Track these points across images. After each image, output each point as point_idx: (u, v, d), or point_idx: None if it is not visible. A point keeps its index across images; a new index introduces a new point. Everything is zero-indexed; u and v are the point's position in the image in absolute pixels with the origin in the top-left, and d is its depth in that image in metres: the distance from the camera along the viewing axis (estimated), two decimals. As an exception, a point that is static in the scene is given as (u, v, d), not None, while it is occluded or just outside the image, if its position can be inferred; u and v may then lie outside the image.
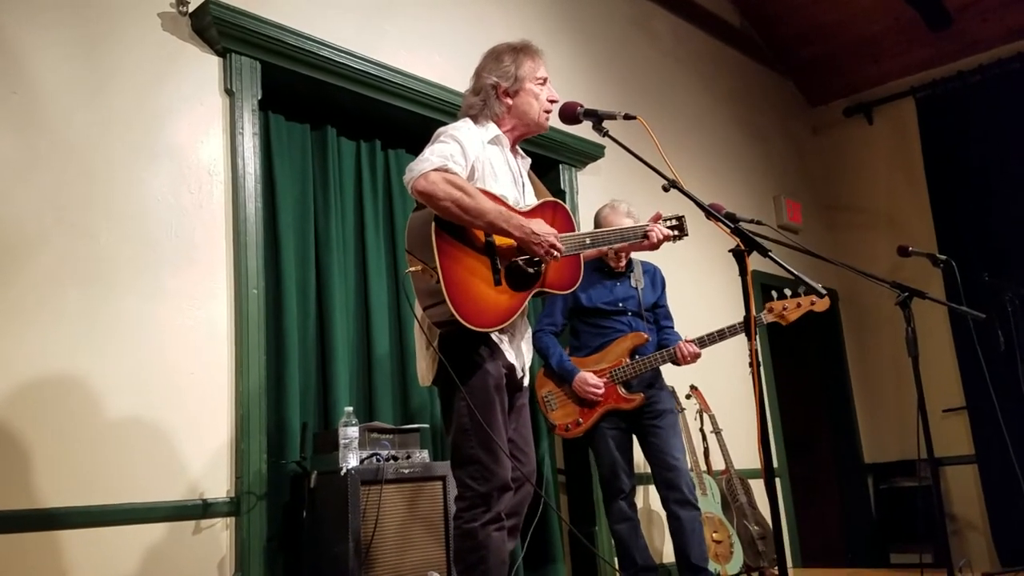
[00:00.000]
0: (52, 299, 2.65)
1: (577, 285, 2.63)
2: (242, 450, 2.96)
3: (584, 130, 4.24)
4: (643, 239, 2.83)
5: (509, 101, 2.56)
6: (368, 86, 3.67)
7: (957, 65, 6.62)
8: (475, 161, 2.43)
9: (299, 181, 3.63)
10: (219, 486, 2.92)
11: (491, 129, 2.55)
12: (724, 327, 3.58)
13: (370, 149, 3.97)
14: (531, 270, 2.48)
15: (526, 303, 2.48)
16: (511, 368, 2.48)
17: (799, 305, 3.59)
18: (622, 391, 3.54)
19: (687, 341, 3.57)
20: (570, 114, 2.51)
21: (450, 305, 2.26)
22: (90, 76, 2.87)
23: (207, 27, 3.15)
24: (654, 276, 3.80)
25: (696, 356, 3.57)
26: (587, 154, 4.67)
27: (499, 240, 2.42)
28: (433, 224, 2.31)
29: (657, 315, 3.75)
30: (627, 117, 2.38)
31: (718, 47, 6.36)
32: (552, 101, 2.61)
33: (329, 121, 3.80)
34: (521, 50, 2.59)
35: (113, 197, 2.85)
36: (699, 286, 5.13)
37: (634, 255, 3.76)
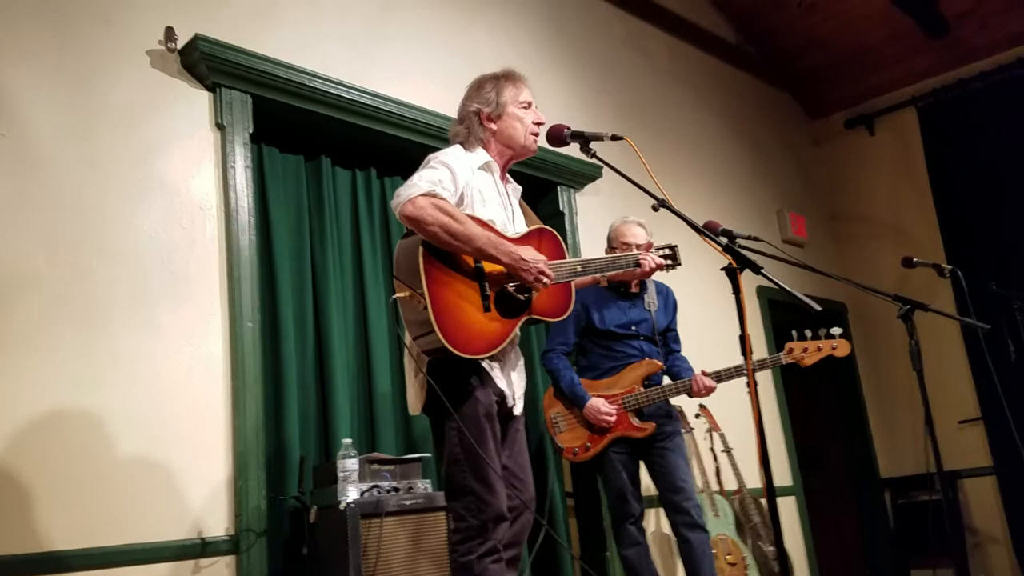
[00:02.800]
0: (46, 339, 2.63)
1: (569, 312, 2.61)
2: (240, 487, 2.92)
3: (581, 152, 4.25)
4: (635, 267, 2.83)
5: (493, 126, 2.57)
6: (360, 115, 3.66)
7: (958, 73, 6.58)
8: (464, 187, 2.42)
9: (294, 212, 3.62)
10: (218, 524, 2.88)
11: (481, 155, 2.55)
12: (741, 364, 3.50)
13: (365, 178, 3.96)
14: (521, 296, 2.45)
15: (516, 330, 2.45)
16: (502, 396, 2.45)
17: (819, 349, 3.59)
18: (634, 420, 3.49)
19: (703, 374, 3.52)
20: (557, 136, 2.49)
21: (438, 333, 2.24)
22: (79, 115, 2.87)
23: (196, 63, 3.15)
24: (667, 298, 3.76)
25: (711, 390, 3.53)
26: (585, 175, 4.65)
27: (488, 266, 2.40)
28: (421, 249, 2.30)
29: (667, 338, 3.71)
30: (614, 138, 2.36)
31: (714, 64, 6.35)
32: (538, 124, 2.60)
33: (323, 151, 3.79)
34: (503, 77, 2.61)
35: (105, 235, 2.84)
36: (702, 304, 5.07)
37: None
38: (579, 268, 2.62)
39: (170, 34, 3.12)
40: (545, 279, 2.38)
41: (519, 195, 2.70)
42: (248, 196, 3.24)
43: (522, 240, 2.51)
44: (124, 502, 2.68)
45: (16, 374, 2.55)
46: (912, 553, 6.22)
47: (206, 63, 3.14)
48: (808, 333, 3.63)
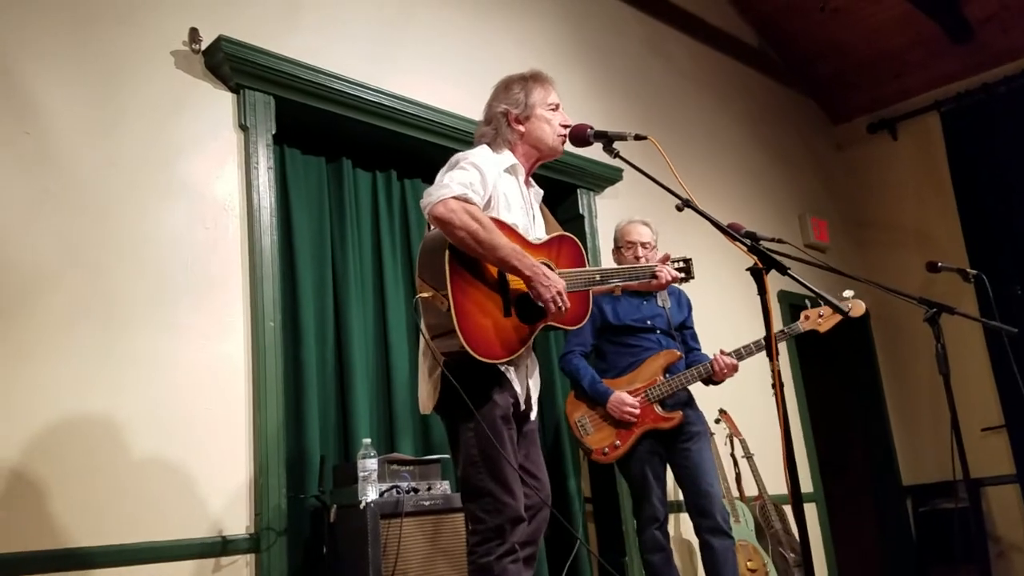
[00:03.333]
0: (67, 338, 2.65)
1: (585, 320, 2.60)
2: (261, 485, 2.93)
3: (601, 154, 4.22)
4: (651, 279, 2.84)
5: (521, 128, 2.56)
6: (382, 117, 3.67)
7: (982, 77, 6.52)
8: (492, 189, 2.42)
9: (315, 213, 3.64)
10: (239, 522, 2.88)
11: (507, 157, 2.54)
12: (760, 338, 3.47)
13: (386, 179, 3.97)
14: (540, 303, 2.44)
15: (534, 335, 2.45)
16: (517, 399, 2.45)
17: (834, 312, 3.52)
18: (659, 410, 3.44)
19: (723, 353, 3.47)
20: (580, 136, 2.48)
21: (460, 336, 2.23)
22: (102, 114, 2.89)
23: (220, 64, 3.17)
24: (679, 297, 3.73)
25: (734, 368, 3.46)
26: (605, 178, 4.64)
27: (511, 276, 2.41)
28: (447, 252, 2.29)
29: (685, 336, 3.67)
30: (638, 137, 2.35)
31: (735, 67, 6.32)
32: (565, 126, 2.59)
33: (344, 153, 3.80)
34: (531, 78, 2.60)
35: (127, 234, 2.86)
36: (722, 306, 5.04)
37: None
38: (598, 277, 2.63)
39: (194, 35, 3.14)
40: (560, 303, 2.36)
41: (540, 199, 2.70)
42: (271, 197, 3.25)
43: (543, 247, 2.51)
44: (146, 501, 2.69)
45: (37, 374, 2.57)
46: (934, 562, 6.15)
47: (230, 64, 3.16)
48: (821, 302, 3.58)
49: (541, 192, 2.70)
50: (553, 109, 2.59)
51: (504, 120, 2.55)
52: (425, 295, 2.30)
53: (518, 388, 2.45)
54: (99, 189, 2.83)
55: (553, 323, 2.49)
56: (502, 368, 2.39)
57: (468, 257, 2.32)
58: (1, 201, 2.62)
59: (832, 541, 5.68)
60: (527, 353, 2.51)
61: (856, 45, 6.57)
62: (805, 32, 6.57)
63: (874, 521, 6.55)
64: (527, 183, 2.63)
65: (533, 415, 2.55)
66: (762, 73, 6.60)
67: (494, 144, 2.55)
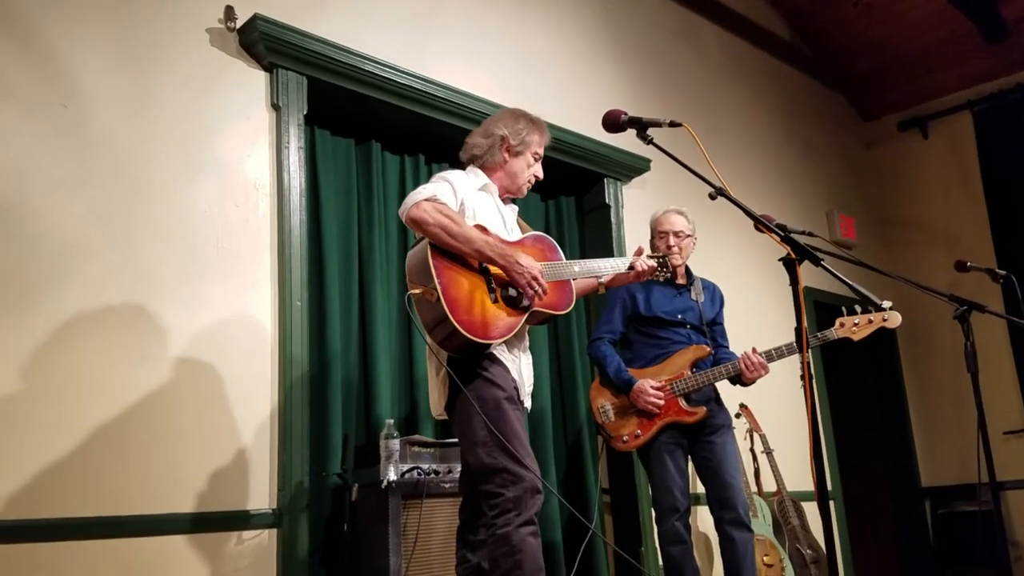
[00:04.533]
0: (97, 310, 2.68)
1: (571, 307, 2.75)
2: (284, 462, 2.95)
3: (629, 143, 4.22)
4: (629, 271, 2.93)
5: (507, 157, 2.76)
6: (412, 100, 3.67)
7: (1016, 77, 6.44)
8: (463, 202, 2.60)
9: (343, 195, 3.65)
10: (261, 498, 2.91)
11: (481, 177, 2.75)
12: (792, 342, 3.39)
13: (414, 163, 3.97)
14: (524, 299, 2.59)
15: (523, 321, 2.58)
16: (515, 388, 2.55)
17: (870, 321, 3.47)
18: (683, 404, 3.40)
19: (754, 352, 3.41)
20: (614, 122, 2.46)
21: (452, 320, 2.37)
22: (137, 90, 2.91)
23: (254, 43, 3.18)
24: (714, 293, 3.69)
25: (763, 367, 3.40)
26: (633, 168, 4.62)
27: (492, 267, 2.55)
28: (429, 248, 2.47)
29: (714, 332, 3.63)
30: (673, 124, 2.33)
31: (767, 60, 6.28)
32: (537, 178, 2.82)
33: (374, 135, 3.81)
34: (536, 123, 2.82)
35: (158, 209, 2.88)
36: (748, 301, 5.02)
37: (696, 272, 3.68)
38: (576, 268, 2.77)
39: (230, 13, 3.16)
40: (536, 286, 2.52)
41: (516, 213, 2.84)
42: (300, 177, 3.27)
43: (518, 244, 2.67)
44: (170, 473, 2.72)
45: (66, 344, 2.60)
46: (953, 565, 6.11)
47: (264, 43, 3.17)
48: (858, 308, 3.53)
49: (516, 207, 2.88)
50: (536, 157, 2.81)
51: (500, 143, 2.75)
52: (415, 291, 2.45)
53: (516, 377, 2.57)
54: (132, 163, 2.85)
55: (541, 308, 2.61)
56: (499, 355, 2.52)
57: (451, 253, 2.49)
58: (37, 172, 2.64)
59: (849, 540, 5.65)
60: (520, 343, 2.63)
61: (889, 41, 6.50)
62: (837, 26, 6.50)
63: (892, 522, 6.51)
64: (503, 199, 2.81)
65: (528, 404, 2.66)
66: (793, 67, 6.55)
67: (476, 161, 2.77)
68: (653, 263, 2.96)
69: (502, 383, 2.48)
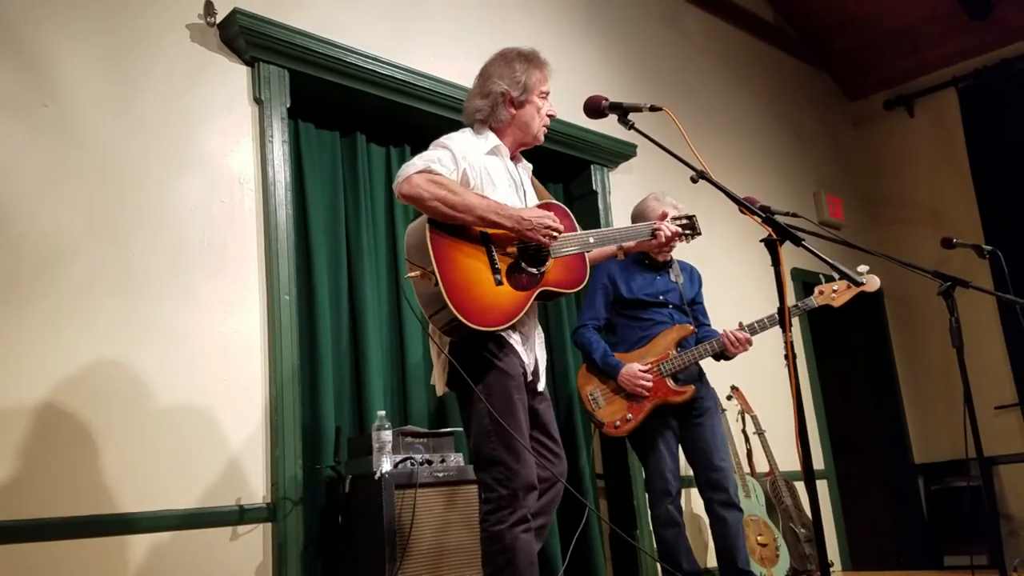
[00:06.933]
0: (85, 308, 2.68)
1: (584, 284, 2.61)
2: (277, 456, 2.96)
3: (615, 129, 4.21)
4: (651, 237, 2.82)
5: (513, 111, 2.57)
6: (396, 91, 3.67)
7: (1000, 53, 6.46)
8: (468, 169, 2.43)
9: (330, 188, 3.65)
10: (255, 492, 2.92)
11: (490, 139, 2.57)
12: (774, 313, 3.43)
13: (400, 154, 3.97)
14: (533, 270, 2.45)
15: (531, 302, 2.46)
16: (525, 369, 2.45)
17: (848, 287, 3.50)
18: (671, 384, 3.42)
19: (739, 327, 3.45)
20: (595, 108, 2.47)
21: (451, 307, 2.26)
22: (119, 87, 2.91)
23: (235, 37, 3.18)
24: (691, 273, 3.72)
25: (747, 342, 3.43)
26: (619, 153, 4.63)
27: (494, 233, 2.41)
28: (427, 227, 2.33)
29: (695, 312, 3.66)
30: (653, 108, 2.33)
31: (752, 42, 6.27)
32: (551, 116, 2.63)
33: (358, 127, 3.81)
34: (531, 59, 2.61)
35: (144, 206, 2.88)
36: (733, 281, 5.05)
37: (686, 254, 3.69)
38: (591, 240, 2.62)
39: (209, 8, 3.15)
40: (552, 231, 2.38)
41: (530, 172, 2.71)
42: (285, 171, 3.26)
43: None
44: (163, 470, 2.73)
45: (55, 343, 2.60)
46: (946, 540, 6.16)
47: (245, 37, 3.16)
48: (836, 275, 3.56)
49: (530, 166, 2.72)
50: (544, 96, 2.61)
51: (501, 100, 2.56)
52: (413, 275, 2.33)
53: (525, 358, 2.46)
54: (116, 161, 2.85)
55: (551, 288, 2.48)
56: (506, 336, 2.40)
57: (450, 230, 2.35)
58: (21, 172, 2.64)
59: (843, 518, 5.70)
60: (529, 321, 2.51)
61: (873, 20, 6.51)
62: (822, 6, 6.50)
63: (886, 499, 6.56)
64: (515, 159, 2.65)
65: (541, 386, 2.56)
66: (778, 48, 6.55)
67: (482, 123, 2.58)
68: (678, 228, 2.88)
69: (509, 368, 2.37)
